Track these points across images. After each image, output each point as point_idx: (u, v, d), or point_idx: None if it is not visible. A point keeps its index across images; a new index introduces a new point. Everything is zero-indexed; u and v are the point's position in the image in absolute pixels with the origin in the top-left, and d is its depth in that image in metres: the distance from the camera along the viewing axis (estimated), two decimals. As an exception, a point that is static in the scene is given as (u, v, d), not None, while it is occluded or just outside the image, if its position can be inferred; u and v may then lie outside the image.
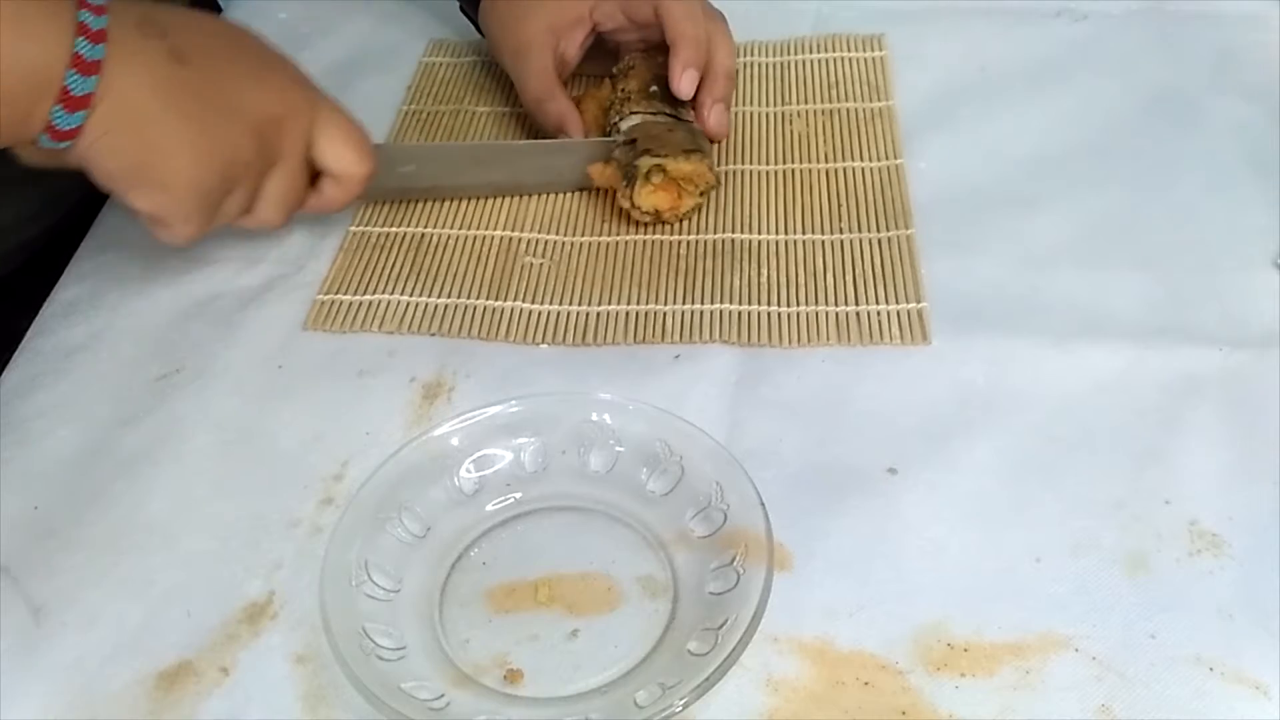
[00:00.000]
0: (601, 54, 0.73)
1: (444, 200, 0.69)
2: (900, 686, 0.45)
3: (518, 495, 0.52)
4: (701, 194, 0.64)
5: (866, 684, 0.45)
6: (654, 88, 0.67)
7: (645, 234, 0.65)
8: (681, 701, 0.42)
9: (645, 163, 0.63)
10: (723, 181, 0.68)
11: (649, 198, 0.64)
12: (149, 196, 0.53)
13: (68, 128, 0.49)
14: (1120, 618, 0.47)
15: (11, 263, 0.71)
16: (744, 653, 0.43)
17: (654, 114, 0.66)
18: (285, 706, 0.46)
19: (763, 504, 0.47)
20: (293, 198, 0.59)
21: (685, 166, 0.63)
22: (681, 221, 0.66)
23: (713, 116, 0.68)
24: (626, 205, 0.64)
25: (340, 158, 0.59)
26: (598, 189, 0.68)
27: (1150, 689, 0.45)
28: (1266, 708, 0.44)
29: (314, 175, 0.60)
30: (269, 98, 0.56)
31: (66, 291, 0.64)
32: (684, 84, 0.66)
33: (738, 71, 0.74)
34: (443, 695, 0.44)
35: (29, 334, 0.62)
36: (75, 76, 0.48)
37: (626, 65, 0.70)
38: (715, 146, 0.69)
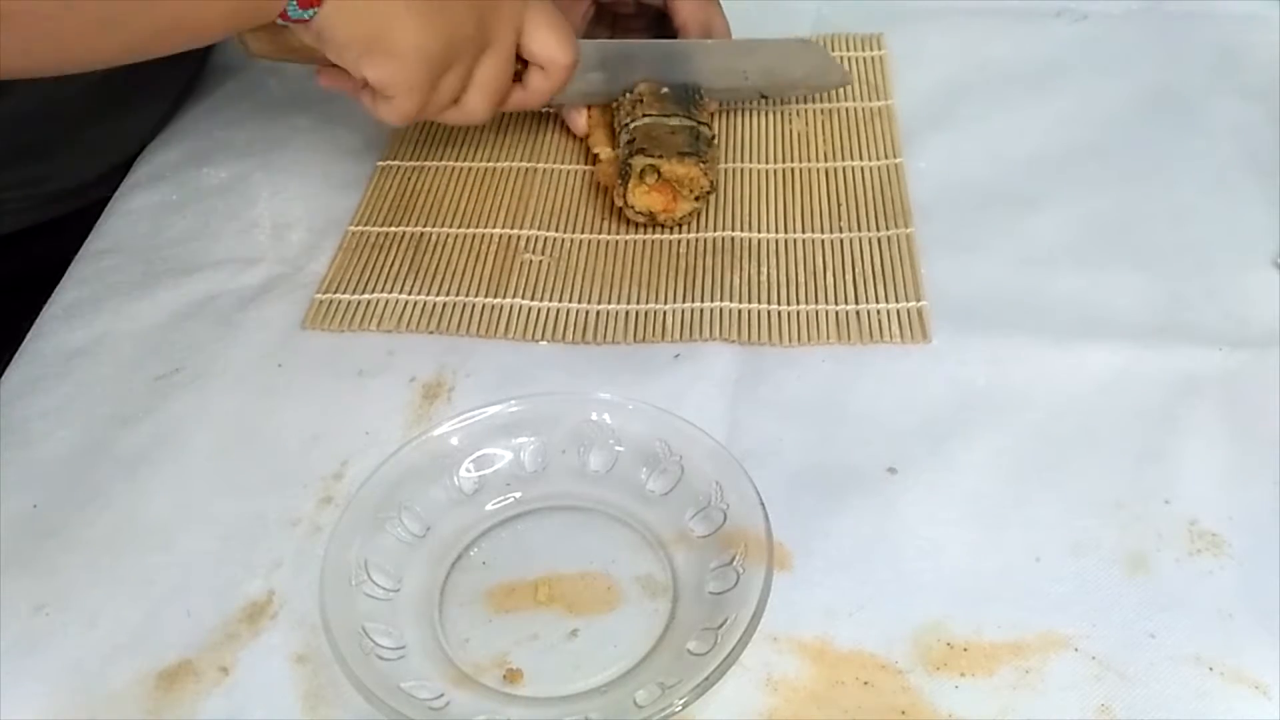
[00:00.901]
0: (600, 27, 0.75)
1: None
2: (900, 686, 0.45)
3: (517, 495, 0.52)
4: (698, 199, 0.64)
5: (866, 684, 0.45)
6: (665, 90, 0.67)
7: (645, 232, 0.65)
8: (681, 701, 0.42)
9: (639, 162, 0.63)
10: (722, 180, 0.68)
11: (643, 198, 0.64)
12: (379, 64, 0.56)
13: None
14: (1120, 617, 0.47)
15: (53, 210, 0.73)
16: (744, 652, 0.43)
17: (666, 116, 0.66)
18: (285, 706, 0.46)
19: (762, 503, 0.47)
20: (501, 85, 0.61)
21: (679, 169, 0.63)
22: (680, 223, 0.66)
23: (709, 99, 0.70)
24: (621, 204, 0.64)
25: (547, 44, 0.61)
26: (598, 188, 0.68)
27: (1150, 689, 0.45)
28: (1266, 708, 0.44)
29: (517, 76, 0.63)
30: None
31: (66, 294, 0.64)
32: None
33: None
34: (442, 695, 0.44)
35: (29, 336, 0.62)
36: None
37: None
38: (717, 146, 0.69)
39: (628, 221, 0.66)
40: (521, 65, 0.62)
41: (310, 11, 0.53)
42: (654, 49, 0.70)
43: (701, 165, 0.63)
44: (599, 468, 0.52)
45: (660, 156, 0.63)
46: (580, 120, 0.71)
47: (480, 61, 0.59)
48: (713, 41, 0.71)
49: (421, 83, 0.57)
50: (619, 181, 0.64)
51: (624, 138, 0.66)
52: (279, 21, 0.53)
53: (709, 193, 0.64)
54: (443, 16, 0.56)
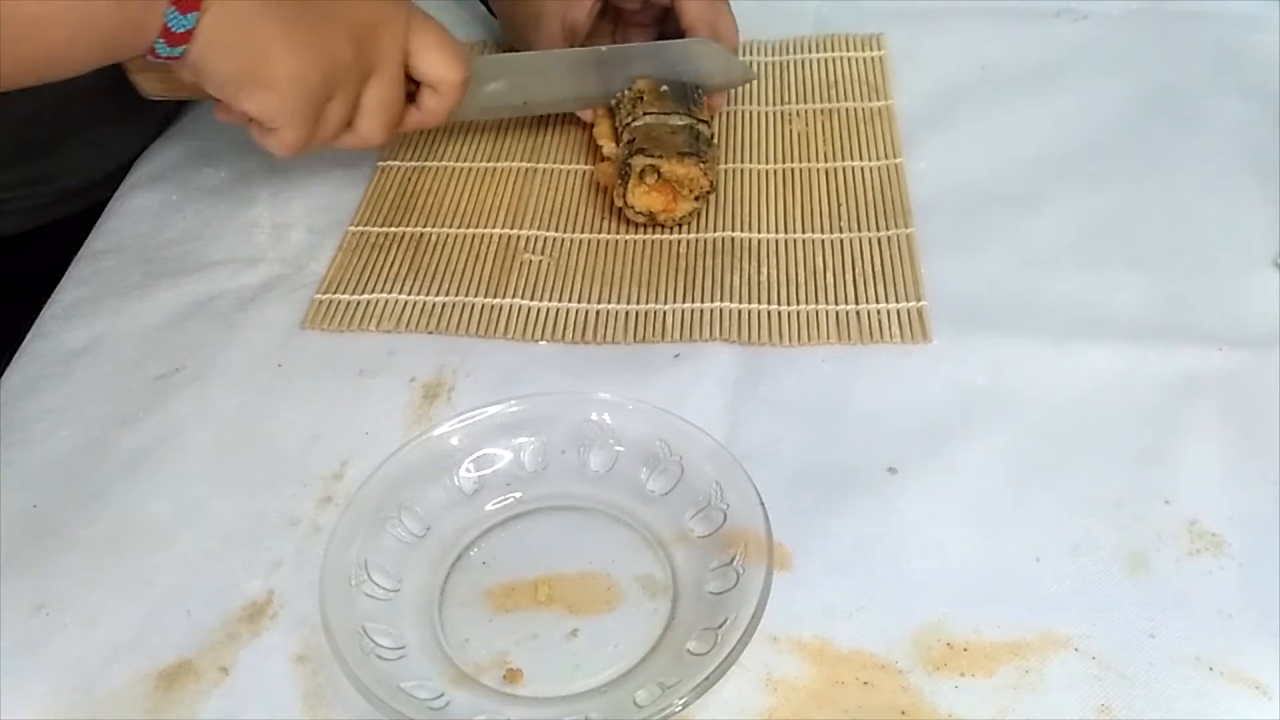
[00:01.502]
0: (604, 24, 0.75)
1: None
2: (900, 686, 0.45)
3: (517, 495, 0.52)
4: (698, 199, 0.64)
5: (866, 684, 0.45)
6: (664, 88, 0.67)
7: (645, 232, 0.65)
8: (681, 701, 0.42)
9: (639, 162, 0.63)
10: (723, 180, 0.68)
11: (643, 198, 0.64)
12: (258, 98, 0.56)
13: (182, 30, 0.52)
14: (1120, 617, 0.47)
15: (55, 210, 0.74)
16: (743, 652, 0.43)
17: (667, 114, 0.66)
18: (285, 706, 0.46)
19: (762, 503, 0.47)
20: (392, 109, 0.61)
21: (679, 169, 0.63)
22: (680, 224, 0.66)
23: (716, 97, 0.70)
24: (621, 204, 0.64)
25: (436, 64, 0.61)
26: (598, 188, 0.68)
27: (1150, 689, 0.45)
28: (1266, 708, 0.44)
29: (410, 97, 0.63)
30: (365, 7, 0.58)
31: (66, 294, 0.64)
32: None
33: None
34: (442, 695, 0.44)
35: (29, 336, 0.62)
36: None
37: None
38: (717, 146, 0.69)
39: (628, 221, 0.66)
40: (415, 85, 0.62)
41: (179, 49, 0.53)
42: (554, 58, 0.70)
43: (701, 165, 0.63)
44: (599, 468, 0.52)
45: (660, 156, 0.63)
46: (588, 110, 0.71)
47: (367, 86, 0.59)
48: (610, 48, 0.70)
49: (303, 113, 0.57)
50: (619, 181, 0.64)
51: (624, 137, 0.66)
52: (150, 59, 0.53)
53: (709, 193, 0.64)
54: (318, 46, 0.56)
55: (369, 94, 0.60)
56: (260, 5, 0.54)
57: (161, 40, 0.52)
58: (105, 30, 0.51)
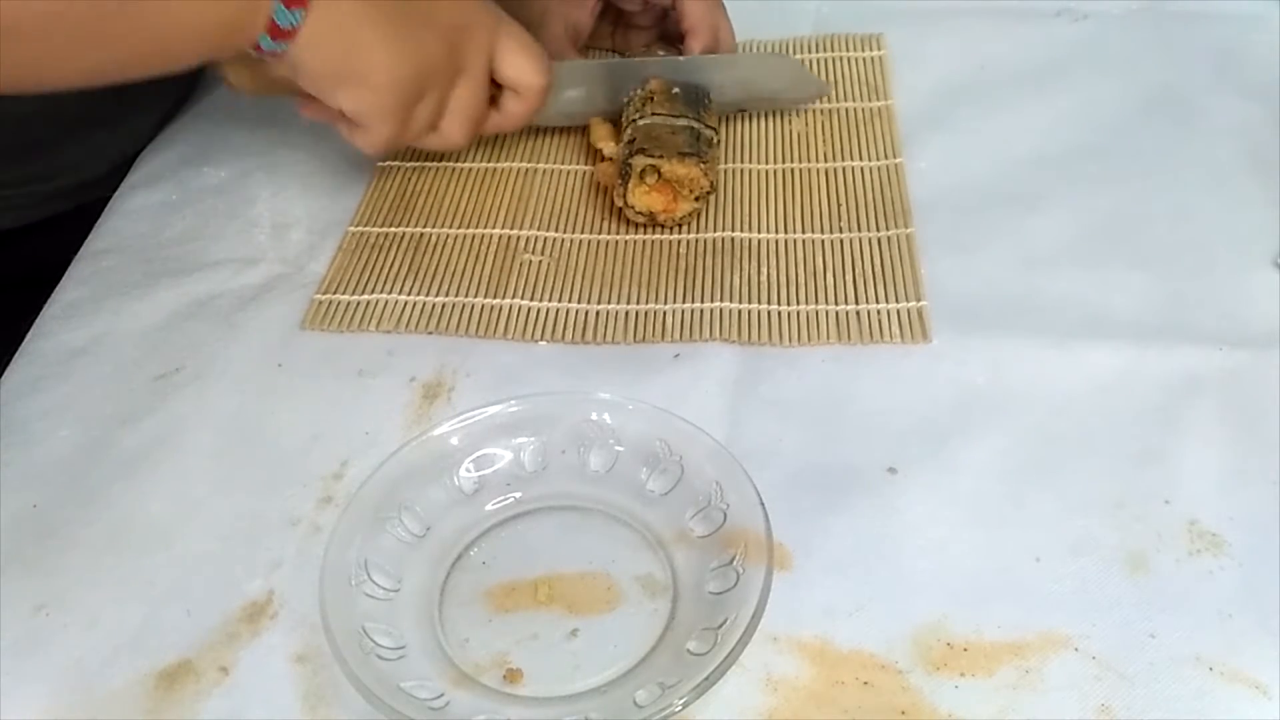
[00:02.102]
0: (605, 24, 0.76)
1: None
2: (900, 686, 0.45)
3: (517, 495, 0.52)
4: (698, 199, 0.64)
5: (866, 684, 0.45)
6: (676, 90, 0.67)
7: (645, 232, 0.65)
8: (681, 701, 0.42)
9: (639, 162, 0.63)
10: (723, 180, 0.68)
11: (643, 198, 0.64)
12: (352, 94, 0.58)
13: (287, 26, 0.53)
14: (1120, 617, 0.47)
15: (55, 207, 0.74)
16: (743, 652, 0.43)
17: (675, 116, 0.66)
18: (285, 706, 0.46)
19: (762, 503, 0.47)
20: (476, 111, 0.63)
21: (679, 169, 0.63)
22: (680, 224, 0.66)
23: None
24: (621, 204, 0.64)
25: (521, 68, 0.63)
26: (598, 188, 0.68)
27: (1150, 689, 0.45)
28: (1266, 708, 0.44)
29: (493, 101, 0.64)
30: (456, 8, 0.60)
31: (66, 294, 0.64)
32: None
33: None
34: (442, 695, 0.44)
35: (29, 336, 0.62)
36: None
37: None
38: (717, 146, 0.69)
39: (628, 221, 0.66)
40: (497, 89, 0.63)
41: (283, 44, 0.54)
42: (634, 67, 0.70)
43: (702, 165, 0.63)
44: (599, 468, 0.52)
45: (660, 156, 0.63)
46: None
47: (454, 88, 0.61)
48: (696, 57, 0.71)
49: (395, 111, 0.58)
50: (619, 181, 0.64)
51: (625, 136, 0.66)
52: (253, 54, 0.54)
53: (709, 193, 0.64)
54: (414, 46, 0.57)
55: (456, 95, 0.61)
56: (362, 5, 0.55)
57: (266, 35, 0.53)
58: (214, 24, 0.52)
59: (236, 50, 0.54)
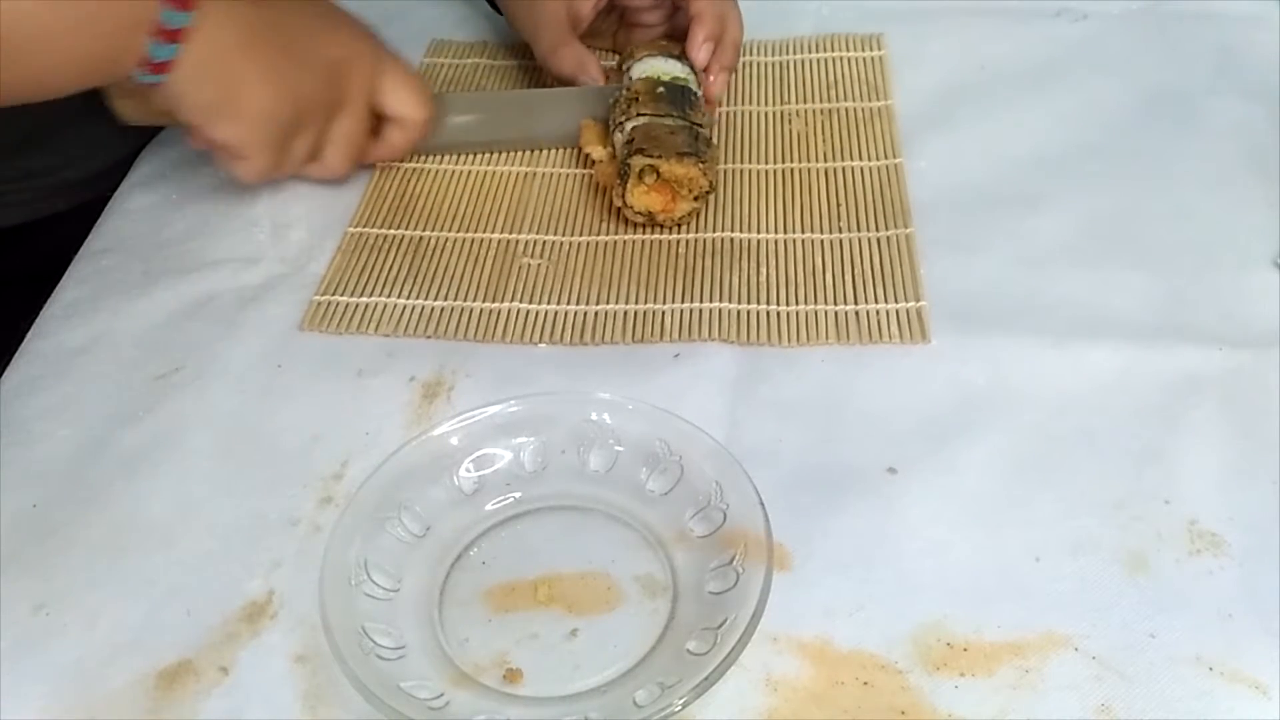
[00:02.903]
0: (610, 18, 0.76)
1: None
2: (899, 686, 0.45)
3: (517, 495, 0.52)
4: (696, 199, 0.64)
5: (866, 684, 0.45)
6: (661, 89, 0.67)
7: (644, 233, 0.65)
8: (681, 701, 0.42)
9: (638, 162, 0.63)
10: (722, 180, 0.68)
11: (642, 198, 0.64)
12: (229, 127, 0.59)
13: (162, 59, 0.54)
14: (1120, 617, 0.47)
15: (55, 204, 0.75)
16: (743, 652, 0.43)
17: (661, 116, 0.66)
18: (285, 706, 0.46)
19: (762, 503, 0.47)
20: (357, 142, 0.64)
21: (678, 169, 0.63)
22: (679, 224, 0.66)
23: (718, 83, 0.71)
24: (619, 204, 0.64)
25: (402, 101, 0.65)
26: (597, 188, 0.68)
27: (1150, 689, 0.45)
28: (1266, 708, 0.44)
29: (376, 130, 0.66)
30: (338, 43, 0.62)
31: (66, 293, 0.64)
32: (702, 54, 0.70)
33: (737, 72, 0.76)
34: (442, 695, 0.44)
35: (29, 336, 0.62)
36: (170, 12, 0.53)
37: (629, 57, 0.71)
38: (716, 147, 0.69)
39: (626, 222, 0.66)
40: (379, 121, 0.65)
41: (159, 77, 0.55)
42: (522, 99, 0.73)
43: (701, 165, 0.63)
44: (599, 468, 0.52)
45: (659, 156, 0.63)
46: (593, 63, 0.72)
47: (335, 120, 0.62)
48: (585, 89, 0.72)
49: (271, 143, 0.60)
50: (618, 181, 0.64)
51: (621, 137, 0.66)
52: (130, 84, 0.55)
53: (708, 193, 0.64)
54: (292, 81, 0.59)
55: (335, 127, 0.63)
56: (239, 40, 0.57)
57: (144, 69, 0.54)
58: (88, 57, 0.53)
59: (112, 80, 0.56)
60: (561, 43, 0.72)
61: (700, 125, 0.66)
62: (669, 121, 0.65)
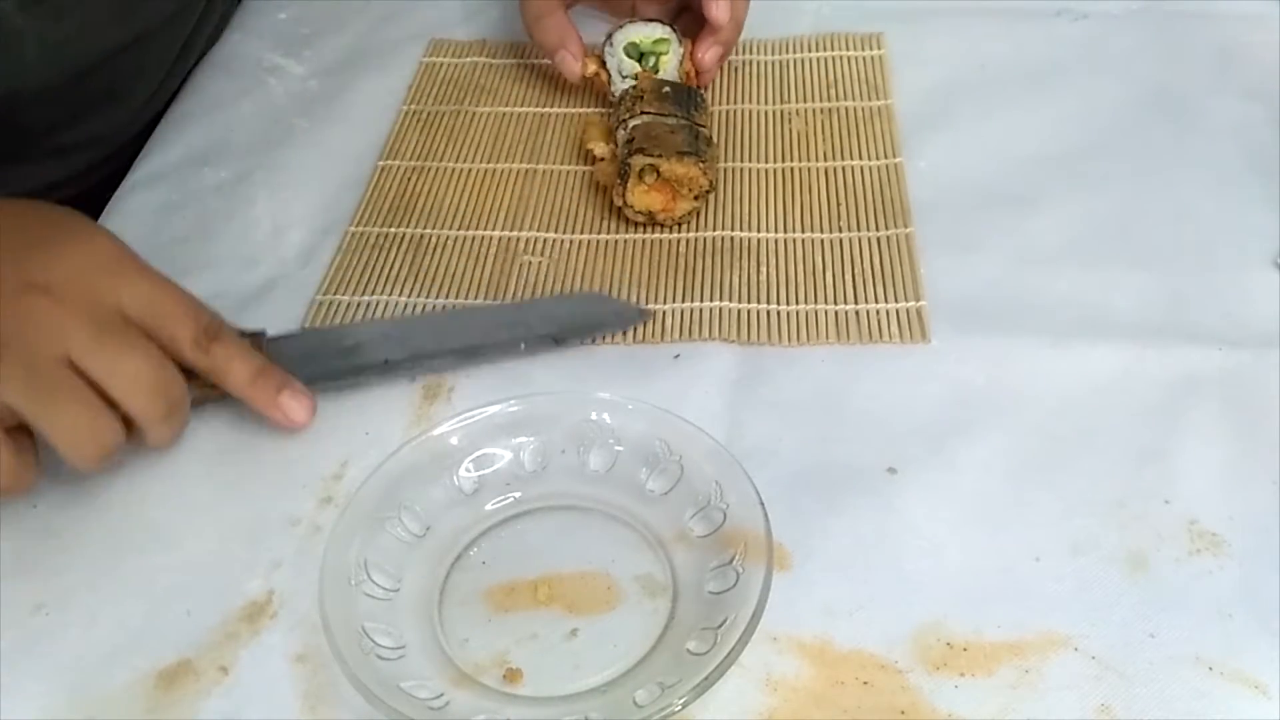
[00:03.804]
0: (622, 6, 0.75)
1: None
2: (899, 686, 0.45)
3: (517, 494, 0.52)
4: (697, 198, 0.64)
5: (866, 684, 0.45)
6: (667, 89, 0.67)
7: (644, 232, 0.65)
8: (680, 701, 0.42)
9: (638, 161, 0.63)
10: (722, 180, 0.68)
11: (642, 198, 0.64)
12: None
13: None
14: (1120, 617, 0.47)
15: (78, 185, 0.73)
16: (743, 652, 0.43)
17: (664, 115, 0.66)
18: (285, 706, 0.46)
19: (762, 503, 0.47)
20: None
21: (679, 168, 0.63)
22: (679, 223, 0.66)
23: (709, 55, 0.70)
24: (620, 203, 0.64)
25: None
26: (597, 187, 0.68)
27: (1150, 689, 0.45)
28: (1266, 708, 0.44)
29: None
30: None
31: (66, 291, 0.64)
32: (719, 9, 0.68)
33: (736, 70, 0.76)
34: (442, 695, 0.44)
35: (29, 334, 0.62)
36: None
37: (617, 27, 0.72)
38: (716, 145, 0.69)
39: (627, 221, 0.66)
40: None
41: None
42: (417, 322, 0.61)
43: (701, 165, 0.63)
44: (599, 467, 0.52)
45: (660, 155, 0.63)
46: (575, 68, 0.71)
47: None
48: (477, 305, 0.62)
49: None
50: (618, 181, 0.64)
51: (623, 136, 0.66)
52: None
53: (708, 192, 0.64)
54: None
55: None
56: None
57: None
58: None
59: None
60: (546, 12, 0.71)
61: (702, 125, 0.66)
62: (670, 121, 0.65)
